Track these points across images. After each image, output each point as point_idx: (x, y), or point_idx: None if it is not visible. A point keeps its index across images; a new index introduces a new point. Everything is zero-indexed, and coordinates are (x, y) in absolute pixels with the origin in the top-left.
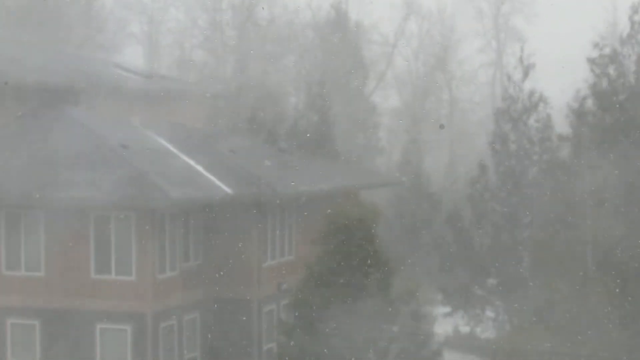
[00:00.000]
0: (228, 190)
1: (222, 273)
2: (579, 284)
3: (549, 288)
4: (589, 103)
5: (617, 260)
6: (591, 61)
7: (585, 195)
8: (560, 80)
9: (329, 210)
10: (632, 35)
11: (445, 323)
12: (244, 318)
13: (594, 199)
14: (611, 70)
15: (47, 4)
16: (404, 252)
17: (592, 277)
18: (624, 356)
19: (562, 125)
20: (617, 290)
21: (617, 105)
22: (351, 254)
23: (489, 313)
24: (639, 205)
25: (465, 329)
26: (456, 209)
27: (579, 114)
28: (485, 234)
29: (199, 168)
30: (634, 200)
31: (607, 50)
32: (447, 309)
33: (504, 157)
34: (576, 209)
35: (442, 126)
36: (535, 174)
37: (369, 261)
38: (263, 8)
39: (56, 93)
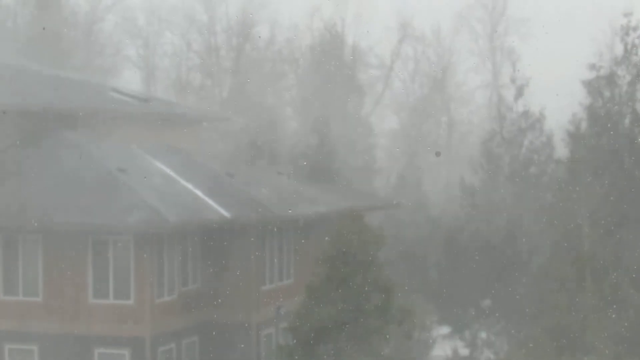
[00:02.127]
0: (226, 214)
1: (220, 297)
2: (577, 306)
3: (546, 310)
4: (585, 125)
5: (613, 282)
6: (587, 83)
7: (581, 217)
8: (557, 100)
9: (327, 234)
10: (626, 57)
11: (444, 345)
12: (243, 342)
13: (590, 221)
14: (607, 92)
15: (49, 29)
16: (402, 274)
17: (590, 300)
18: None
19: (558, 146)
20: (614, 315)
21: (611, 128)
22: (350, 277)
23: (487, 335)
24: (634, 228)
25: (464, 352)
26: (451, 232)
27: (575, 137)
28: (480, 256)
29: (198, 192)
30: (629, 223)
31: (603, 72)
32: (446, 331)
33: (497, 179)
34: (572, 231)
35: (438, 153)
36: (529, 194)
37: (367, 284)
38: (259, 37)
39: (54, 118)
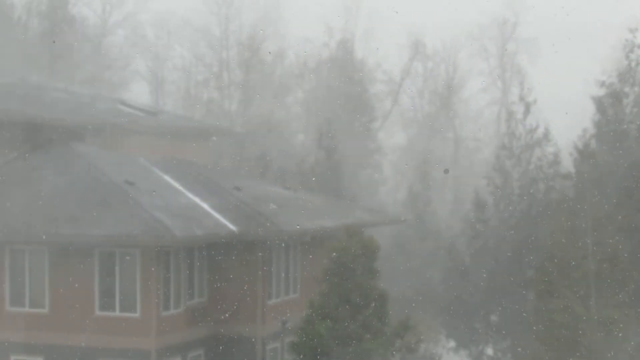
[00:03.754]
0: (233, 228)
1: (227, 311)
2: (582, 324)
3: (552, 328)
4: (593, 141)
5: (618, 300)
6: (597, 99)
7: (587, 235)
8: (565, 117)
9: (332, 248)
10: (630, 74)
11: None
12: (249, 356)
13: (596, 237)
14: (611, 110)
15: (59, 42)
16: (411, 290)
17: (594, 318)
18: None
19: (565, 163)
20: (620, 333)
21: (619, 147)
22: (354, 292)
23: (494, 352)
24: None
25: None
26: (457, 247)
27: (582, 152)
28: (487, 271)
29: (205, 205)
30: (634, 240)
31: (610, 89)
32: (452, 346)
33: (504, 195)
34: (578, 249)
35: (446, 171)
36: (536, 211)
37: (373, 299)
38: (269, 52)
39: (63, 130)
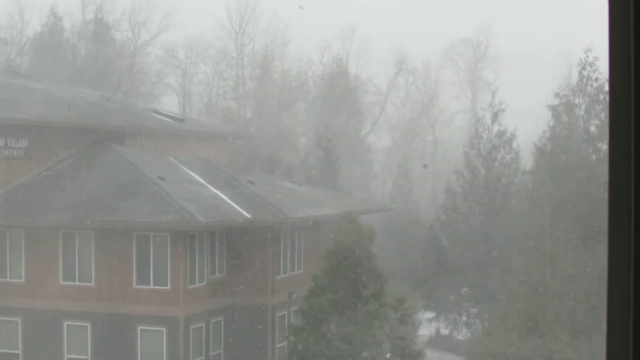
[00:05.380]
0: (247, 215)
1: (242, 284)
2: (539, 295)
3: (513, 299)
4: (549, 142)
5: (570, 274)
6: (552, 108)
7: (544, 219)
8: (524, 123)
9: (331, 233)
10: (582, 88)
11: (428, 326)
12: (260, 322)
13: (550, 224)
14: (566, 117)
15: (101, 60)
16: (395, 267)
17: (549, 289)
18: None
19: (525, 161)
20: (570, 302)
21: (570, 147)
22: (350, 269)
23: (465, 318)
24: (588, 229)
25: (445, 332)
26: (434, 231)
27: (540, 150)
28: (458, 251)
29: (224, 196)
30: (583, 225)
31: (564, 100)
32: (430, 315)
33: (474, 188)
34: (536, 231)
35: (425, 166)
36: (499, 200)
37: (364, 274)
38: (276, 65)
39: (106, 133)
